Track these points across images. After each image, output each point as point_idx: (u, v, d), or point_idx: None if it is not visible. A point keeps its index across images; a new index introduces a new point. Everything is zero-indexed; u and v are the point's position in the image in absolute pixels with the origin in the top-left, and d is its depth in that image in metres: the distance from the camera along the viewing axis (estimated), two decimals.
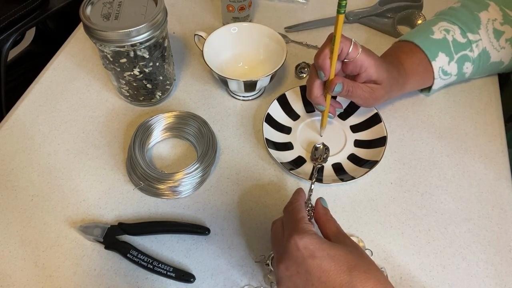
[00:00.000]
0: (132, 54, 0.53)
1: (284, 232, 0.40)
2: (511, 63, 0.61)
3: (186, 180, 0.52)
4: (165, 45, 0.57)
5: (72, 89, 0.65)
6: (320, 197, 0.45)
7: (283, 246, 0.38)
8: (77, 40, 0.73)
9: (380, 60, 0.52)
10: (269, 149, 0.54)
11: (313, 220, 0.45)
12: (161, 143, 0.59)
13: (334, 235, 0.40)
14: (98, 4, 0.53)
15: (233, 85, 0.58)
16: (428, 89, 0.62)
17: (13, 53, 0.93)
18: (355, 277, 0.34)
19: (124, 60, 0.53)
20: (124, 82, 0.58)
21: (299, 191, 0.45)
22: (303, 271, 0.35)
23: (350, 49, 0.49)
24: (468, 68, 0.59)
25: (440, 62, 0.58)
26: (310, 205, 0.48)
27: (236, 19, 0.72)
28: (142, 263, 0.46)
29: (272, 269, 0.46)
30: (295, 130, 0.59)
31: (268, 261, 0.46)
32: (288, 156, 0.56)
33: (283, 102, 0.61)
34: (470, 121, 0.61)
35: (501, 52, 0.59)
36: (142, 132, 0.56)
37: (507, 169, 0.55)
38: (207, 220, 0.51)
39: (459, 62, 0.59)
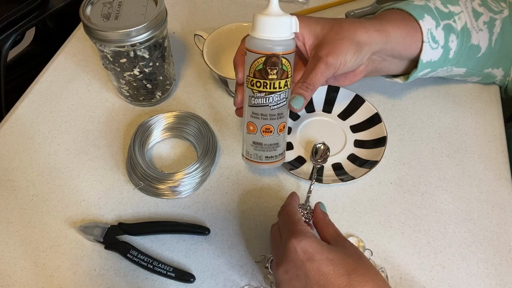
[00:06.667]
0: (132, 54, 0.53)
1: (281, 236, 0.40)
2: (486, 52, 0.56)
3: (186, 180, 0.52)
4: (165, 45, 0.57)
5: (72, 89, 0.65)
6: (319, 202, 0.45)
7: (282, 250, 0.38)
8: (77, 40, 0.73)
9: (312, 20, 0.47)
10: None
11: (310, 223, 0.45)
12: (161, 143, 0.58)
13: (333, 238, 0.40)
14: (98, 4, 0.53)
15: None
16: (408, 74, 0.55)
17: (13, 53, 0.93)
18: (354, 280, 0.34)
19: (124, 60, 0.53)
20: (124, 82, 0.58)
21: (292, 195, 0.45)
22: (302, 274, 0.35)
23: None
24: (453, 42, 0.53)
25: (427, 23, 0.50)
26: (308, 207, 0.48)
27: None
28: (142, 263, 0.46)
29: (271, 272, 0.46)
30: (295, 130, 0.59)
31: (267, 264, 0.46)
32: (288, 156, 0.56)
33: None
34: (470, 121, 0.61)
35: (479, 34, 0.54)
36: (142, 132, 0.56)
37: (507, 169, 0.55)
38: (207, 220, 0.51)
39: (445, 30, 0.52)
